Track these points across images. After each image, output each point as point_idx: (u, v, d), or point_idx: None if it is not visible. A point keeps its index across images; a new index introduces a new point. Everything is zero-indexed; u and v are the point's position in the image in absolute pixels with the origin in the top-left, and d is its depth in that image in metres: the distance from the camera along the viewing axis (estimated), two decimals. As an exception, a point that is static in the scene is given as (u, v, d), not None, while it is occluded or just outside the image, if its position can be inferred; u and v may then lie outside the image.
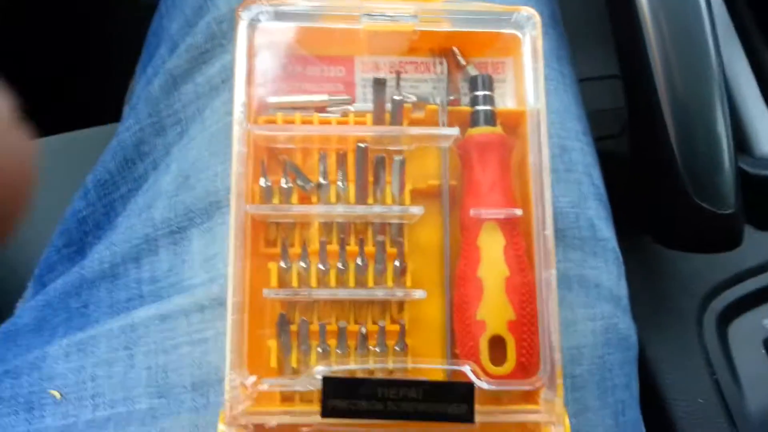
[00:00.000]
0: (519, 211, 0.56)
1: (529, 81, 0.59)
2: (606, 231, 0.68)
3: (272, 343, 0.55)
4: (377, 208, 0.56)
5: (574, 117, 0.70)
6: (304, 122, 0.58)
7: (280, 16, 0.58)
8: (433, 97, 0.60)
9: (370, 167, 0.57)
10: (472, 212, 0.56)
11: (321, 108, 0.60)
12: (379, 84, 0.57)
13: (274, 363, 0.55)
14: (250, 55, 0.57)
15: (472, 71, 0.61)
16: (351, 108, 0.60)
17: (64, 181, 0.71)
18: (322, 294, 0.55)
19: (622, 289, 0.69)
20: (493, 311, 0.54)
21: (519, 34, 0.60)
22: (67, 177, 0.72)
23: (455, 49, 0.61)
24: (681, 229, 0.71)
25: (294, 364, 0.55)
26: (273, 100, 0.59)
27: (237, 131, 0.55)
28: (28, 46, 1.39)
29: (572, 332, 0.64)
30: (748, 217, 0.80)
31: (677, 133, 0.65)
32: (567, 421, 0.54)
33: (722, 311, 0.81)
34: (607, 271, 0.67)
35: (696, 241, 0.73)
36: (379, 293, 0.56)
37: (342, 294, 0.56)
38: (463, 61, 0.61)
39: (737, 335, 0.81)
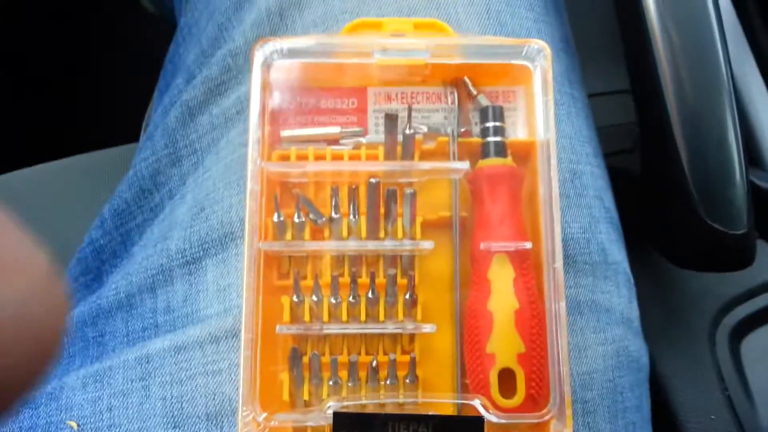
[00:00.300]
0: (528, 244, 0.56)
1: (540, 113, 0.58)
2: (617, 254, 0.68)
3: (284, 377, 0.56)
4: (388, 244, 0.56)
5: (585, 140, 0.69)
6: (317, 156, 0.58)
7: (294, 53, 0.58)
8: (445, 127, 0.60)
9: (382, 200, 0.57)
10: (482, 246, 0.56)
11: (334, 140, 0.60)
12: (390, 120, 0.57)
13: (286, 396, 0.55)
14: (265, 92, 0.58)
15: (483, 101, 0.60)
16: (363, 140, 0.60)
17: (79, 203, 0.71)
18: (334, 329, 0.56)
19: (633, 311, 0.68)
20: (503, 344, 0.54)
21: (530, 66, 0.59)
22: (82, 200, 0.72)
23: (466, 79, 0.61)
24: (692, 250, 0.70)
25: (306, 397, 0.56)
26: (286, 134, 0.59)
27: (251, 169, 0.55)
28: (41, 67, 1.40)
29: (583, 357, 0.63)
30: (761, 231, 0.80)
31: (688, 150, 0.64)
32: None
33: (734, 327, 0.80)
34: (618, 294, 0.66)
35: (708, 261, 0.72)
36: (390, 327, 0.56)
37: (352, 329, 0.56)
38: (474, 91, 0.61)
39: (750, 351, 0.80)
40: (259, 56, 0.57)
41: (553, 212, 0.56)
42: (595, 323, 0.64)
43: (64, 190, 0.88)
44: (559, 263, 0.55)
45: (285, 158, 0.59)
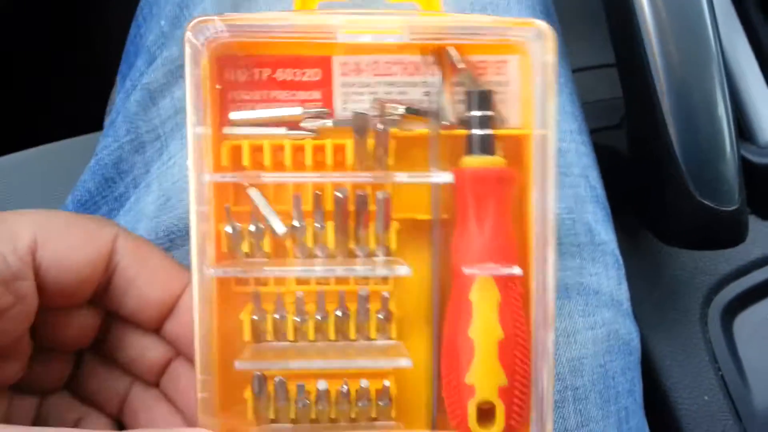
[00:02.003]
0: (517, 270, 0.43)
1: (539, 104, 0.43)
2: (604, 234, 0.60)
3: (248, 395, 0.44)
4: (359, 269, 0.44)
5: (569, 116, 0.61)
6: (273, 147, 0.44)
7: (237, 35, 0.43)
8: (424, 107, 0.45)
9: (351, 205, 0.44)
10: (464, 270, 0.42)
11: (294, 122, 0.45)
12: (359, 121, 0.43)
13: (251, 416, 0.44)
14: (204, 84, 0.42)
15: (470, 82, 0.45)
16: (330, 123, 0.45)
17: (43, 195, 0.61)
18: (299, 365, 0.43)
19: (622, 293, 0.61)
20: (484, 377, 0.42)
21: (529, 51, 0.44)
22: (45, 191, 0.62)
23: (450, 49, 0.45)
24: (683, 227, 0.63)
25: (272, 417, 0.45)
26: (236, 116, 0.45)
27: (193, 184, 0.41)
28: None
29: (572, 343, 0.56)
30: (754, 207, 0.74)
31: (676, 124, 0.56)
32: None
33: (727, 305, 0.73)
34: (607, 276, 0.59)
35: (699, 239, 0.66)
36: (361, 362, 0.44)
37: (318, 365, 0.44)
38: (460, 64, 0.45)
39: (743, 329, 0.73)
40: (193, 40, 0.42)
41: (547, 233, 0.42)
42: (583, 307, 0.57)
43: (27, 182, 0.81)
44: (551, 294, 0.42)
45: (236, 150, 0.44)
